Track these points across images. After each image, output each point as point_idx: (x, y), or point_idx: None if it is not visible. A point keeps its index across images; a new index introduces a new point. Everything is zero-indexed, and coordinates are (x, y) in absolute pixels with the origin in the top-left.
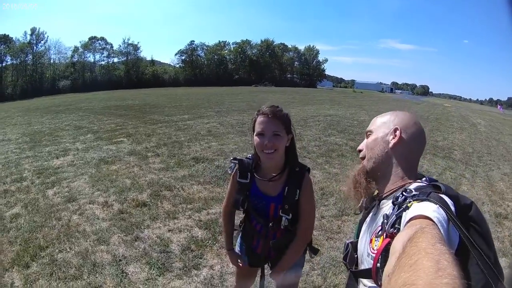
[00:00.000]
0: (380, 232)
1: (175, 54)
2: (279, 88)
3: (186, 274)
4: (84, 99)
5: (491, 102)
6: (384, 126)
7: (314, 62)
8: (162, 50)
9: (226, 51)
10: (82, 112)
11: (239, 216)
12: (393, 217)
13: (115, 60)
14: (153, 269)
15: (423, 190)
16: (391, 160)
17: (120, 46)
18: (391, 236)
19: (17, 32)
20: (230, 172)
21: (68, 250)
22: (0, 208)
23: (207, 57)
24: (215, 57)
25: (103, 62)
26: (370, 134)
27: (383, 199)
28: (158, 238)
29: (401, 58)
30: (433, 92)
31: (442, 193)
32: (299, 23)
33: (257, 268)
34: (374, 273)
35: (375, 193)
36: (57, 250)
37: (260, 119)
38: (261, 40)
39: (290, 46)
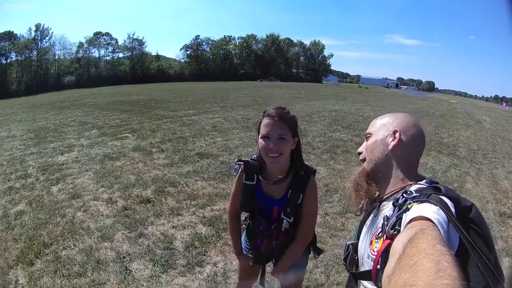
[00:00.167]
0: (380, 234)
1: (180, 49)
2: (285, 83)
3: (189, 271)
4: (89, 95)
5: (497, 99)
6: (383, 129)
7: (319, 57)
8: (167, 45)
9: (232, 46)
10: (87, 108)
11: (243, 214)
12: (393, 219)
13: (120, 55)
14: (157, 266)
15: (424, 191)
16: (391, 162)
17: (125, 41)
18: (391, 238)
19: (22, 29)
20: (235, 173)
21: (72, 247)
22: (5, 205)
23: (213, 52)
24: (221, 52)
25: (108, 58)
26: (369, 137)
27: (384, 200)
28: (162, 234)
29: (407, 53)
30: (439, 88)
31: (443, 195)
32: (305, 18)
33: (260, 266)
34: (374, 275)
35: (376, 195)
36: (61, 247)
37: (265, 121)
38: (267, 35)
39: (295, 41)
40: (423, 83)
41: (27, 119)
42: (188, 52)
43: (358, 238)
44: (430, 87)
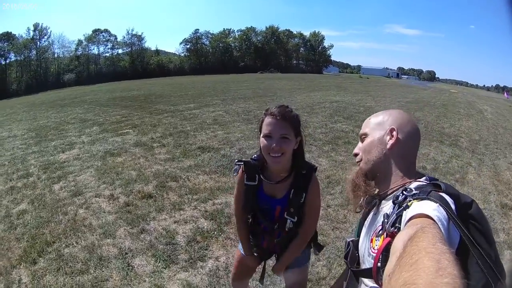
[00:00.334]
0: (380, 232)
1: (180, 43)
2: (285, 75)
3: (191, 266)
4: (89, 92)
5: (498, 89)
6: (379, 128)
7: (319, 48)
8: (167, 40)
9: (231, 39)
10: (87, 105)
11: None
12: (394, 216)
13: (120, 51)
14: (159, 262)
15: (423, 189)
16: (390, 161)
17: (124, 37)
18: (392, 236)
19: (20, 29)
20: (234, 174)
21: (75, 244)
22: (7, 205)
23: (212, 45)
24: (220, 45)
25: (107, 54)
26: (365, 137)
27: (384, 198)
28: (164, 230)
29: (407, 43)
30: (440, 78)
31: (442, 192)
32: (304, 9)
33: (256, 265)
34: (375, 273)
35: (376, 192)
36: (63, 245)
37: (268, 120)
38: (266, 27)
39: (295, 32)
40: (424, 72)
41: (27, 118)
42: (188, 46)
43: (358, 235)
44: (431, 76)
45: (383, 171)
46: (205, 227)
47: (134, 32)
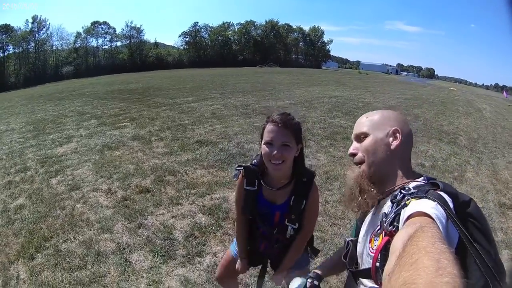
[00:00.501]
0: (379, 231)
1: (179, 36)
2: (284, 69)
3: (189, 262)
4: (87, 84)
5: (497, 88)
6: (380, 128)
7: (319, 43)
8: (166, 32)
9: (230, 32)
10: (85, 98)
11: None
12: (392, 215)
13: (118, 44)
14: (157, 257)
15: (421, 188)
16: (392, 162)
17: (123, 29)
18: (390, 235)
19: (18, 21)
20: (234, 179)
21: (72, 239)
22: (5, 200)
23: (211, 38)
24: (219, 38)
25: (106, 47)
26: (365, 137)
27: (382, 199)
28: (162, 225)
29: (408, 40)
30: (439, 75)
31: (441, 190)
32: (305, 3)
33: (247, 267)
34: (374, 272)
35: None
36: (61, 240)
37: (269, 127)
38: (266, 21)
39: (295, 27)
40: (423, 69)
41: (25, 111)
42: (187, 39)
43: (355, 235)
44: (430, 74)
45: (387, 172)
46: (203, 222)
47: (133, 25)
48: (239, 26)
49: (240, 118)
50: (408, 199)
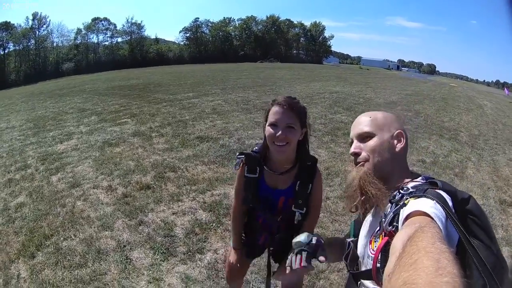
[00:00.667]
0: (378, 232)
1: (180, 32)
2: (285, 64)
3: (190, 259)
4: (88, 81)
5: (498, 84)
6: (385, 129)
7: (320, 38)
8: (166, 28)
9: (231, 28)
10: (86, 94)
11: None
12: (391, 215)
13: (119, 40)
14: (157, 254)
15: (420, 187)
16: (394, 164)
17: (124, 25)
18: (390, 235)
19: (18, 18)
20: (236, 168)
21: (73, 237)
22: (5, 198)
23: (212, 34)
24: (220, 33)
25: (106, 43)
26: (369, 138)
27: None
28: (162, 221)
29: (409, 36)
30: (440, 71)
31: (439, 189)
32: None
33: (248, 264)
34: (374, 273)
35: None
36: (61, 238)
37: (274, 109)
38: (267, 16)
39: (296, 22)
40: (424, 65)
41: (26, 108)
42: (187, 35)
43: (353, 235)
44: (431, 69)
45: (387, 173)
46: (204, 219)
47: (133, 21)
48: (240, 21)
49: (241, 114)
50: (406, 199)
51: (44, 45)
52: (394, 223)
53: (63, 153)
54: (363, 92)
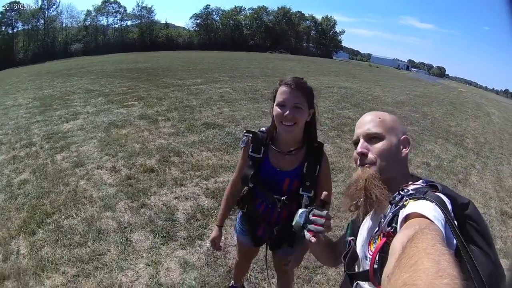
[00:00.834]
0: (377, 233)
1: (190, 18)
2: (295, 56)
3: (190, 244)
4: (96, 62)
5: (507, 93)
6: (393, 132)
7: (331, 33)
8: (177, 14)
9: (242, 17)
10: (94, 75)
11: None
12: (390, 215)
13: (129, 23)
14: (157, 238)
15: (420, 189)
16: (398, 168)
17: (134, 9)
18: (388, 236)
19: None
20: (242, 145)
21: (74, 216)
22: (9, 174)
23: (223, 22)
24: (231, 22)
25: (116, 25)
26: (378, 139)
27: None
28: (164, 205)
29: (420, 37)
30: (449, 75)
31: (439, 192)
32: None
33: (257, 249)
34: (372, 274)
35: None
36: (63, 217)
37: (282, 89)
38: (278, 7)
39: (307, 15)
40: (434, 68)
41: (33, 87)
42: (198, 21)
43: (351, 235)
44: (441, 72)
45: (391, 177)
46: (206, 205)
47: (144, 5)
48: (251, 11)
49: (248, 103)
50: (406, 200)
51: (53, 26)
52: (393, 224)
53: (68, 132)
54: (372, 89)
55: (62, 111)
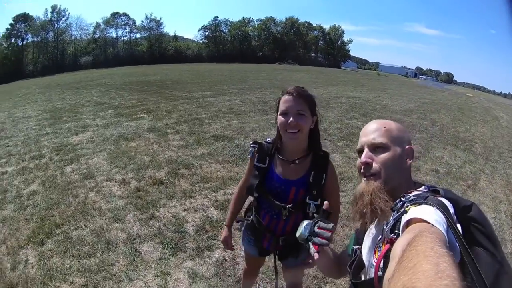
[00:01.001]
0: (381, 240)
1: (199, 30)
2: (303, 67)
3: (199, 255)
4: (106, 75)
5: None
6: (397, 142)
7: (339, 42)
8: (185, 26)
9: (250, 28)
10: (103, 88)
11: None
12: (392, 222)
13: (138, 35)
14: (166, 249)
15: (421, 195)
16: (401, 178)
17: (143, 21)
18: (391, 242)
19: (37, 11)
20: (249, 155)
21: (83, 227)
22: (18, 185)
23: (231, 34)
24: (239, 33)
25: (125, 38)
26: (384, 149)
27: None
28: (173, 217)
29: (427, 43)
30: (457, 81)
31: (441, 196)
32: (324, 1)
33: (263, 258)
34: (377, 282)
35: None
36: (72, 228)
37: (285, 98)
38: (286, 18)
39: (315, 25)
40: (442, 74)
41: (43, 99)
42: (206, 33)
43: (356, 244)
44: (449, 78)
45: (396, 188)
46: (215, 217)
47: (152, 17)
48: (259, 22)
49: (257, 115)
50: (407, 206)
51: (63, 38)
52: (396, 230)
53: (78, 144)
54: (380, 98)
55: (71, 123)
